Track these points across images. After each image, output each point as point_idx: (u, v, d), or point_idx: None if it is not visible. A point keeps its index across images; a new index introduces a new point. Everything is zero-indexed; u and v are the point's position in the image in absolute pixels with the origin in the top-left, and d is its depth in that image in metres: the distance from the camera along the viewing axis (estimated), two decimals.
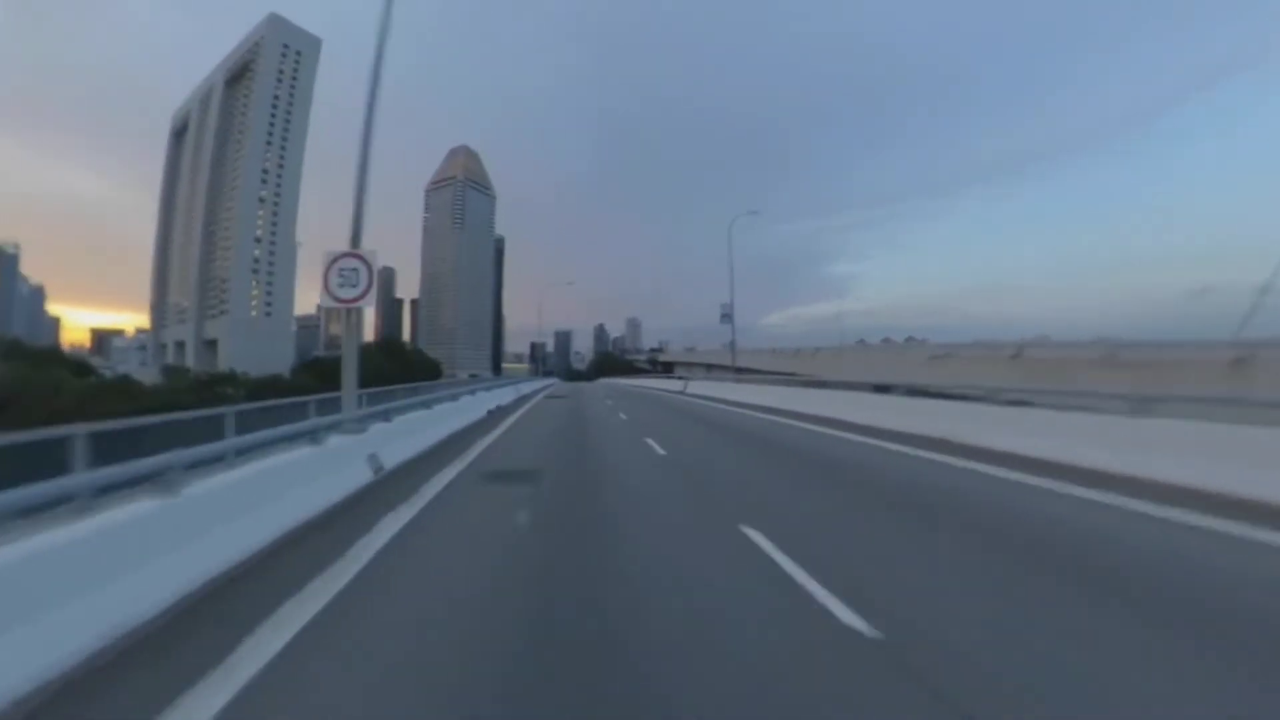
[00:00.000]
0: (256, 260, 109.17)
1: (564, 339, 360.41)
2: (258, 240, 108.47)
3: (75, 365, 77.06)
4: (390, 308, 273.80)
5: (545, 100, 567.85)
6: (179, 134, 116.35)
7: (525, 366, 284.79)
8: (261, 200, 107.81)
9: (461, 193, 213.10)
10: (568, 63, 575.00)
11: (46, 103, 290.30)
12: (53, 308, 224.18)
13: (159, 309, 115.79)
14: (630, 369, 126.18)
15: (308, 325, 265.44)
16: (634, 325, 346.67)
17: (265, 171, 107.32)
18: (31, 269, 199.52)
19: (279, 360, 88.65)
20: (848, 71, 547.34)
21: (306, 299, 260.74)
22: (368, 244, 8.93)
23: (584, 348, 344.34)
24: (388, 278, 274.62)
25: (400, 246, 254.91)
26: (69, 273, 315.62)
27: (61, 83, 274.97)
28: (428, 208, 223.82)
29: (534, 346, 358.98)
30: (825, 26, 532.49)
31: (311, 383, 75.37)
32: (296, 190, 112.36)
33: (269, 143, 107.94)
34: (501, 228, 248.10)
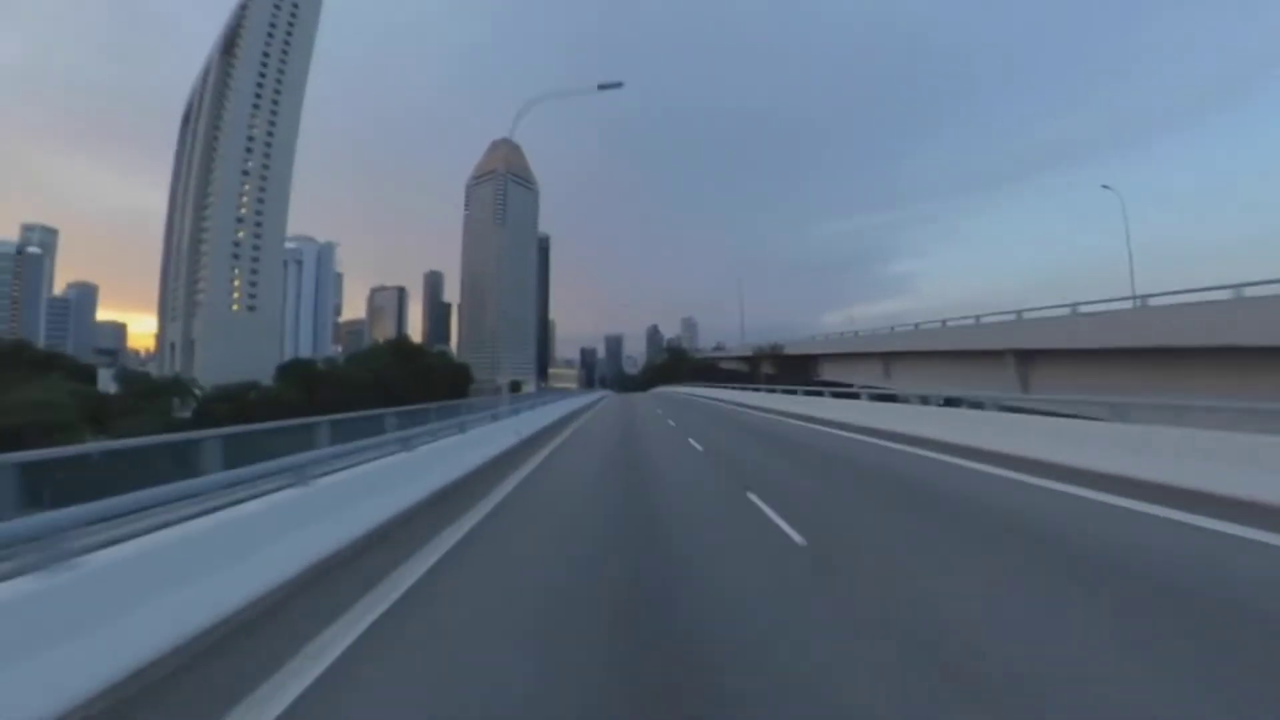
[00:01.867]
0: (238, 245, 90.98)
1: (615, 343, 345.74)
2: (240, 220, 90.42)
3: (83, 372, 64.11)
4: (437, 311, 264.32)
5: (591, 99, 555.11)
6: (186, 118, 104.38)
7: (574, 371, 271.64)
8: (246, 174, 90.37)
9: (503, 187, 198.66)
10: (616, 61, 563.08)
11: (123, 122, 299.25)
12: (116, 314, 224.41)
13: (161, 307, 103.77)
14: (705, 373, 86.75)
15: (355, 329, 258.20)
16: (690, 326, 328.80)
17: (251, 140, 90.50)
18: (100, 277, 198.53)
19: (266, 362, 72.60)
20: (900, 62, 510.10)
21: (354, 304, 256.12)
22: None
23: (636, 351, 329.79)
24: (435, 281, 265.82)
25: (450, 250, 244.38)
26: (137, 279, 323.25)
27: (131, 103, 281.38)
28: (468, 204, 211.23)
29: (584, 353, 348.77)
30: (878, 18, 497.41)
31: (290, 393, 57.55)
32: (289, 163, 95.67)
33: (255, 107, 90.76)
34: (548, 230, 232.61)
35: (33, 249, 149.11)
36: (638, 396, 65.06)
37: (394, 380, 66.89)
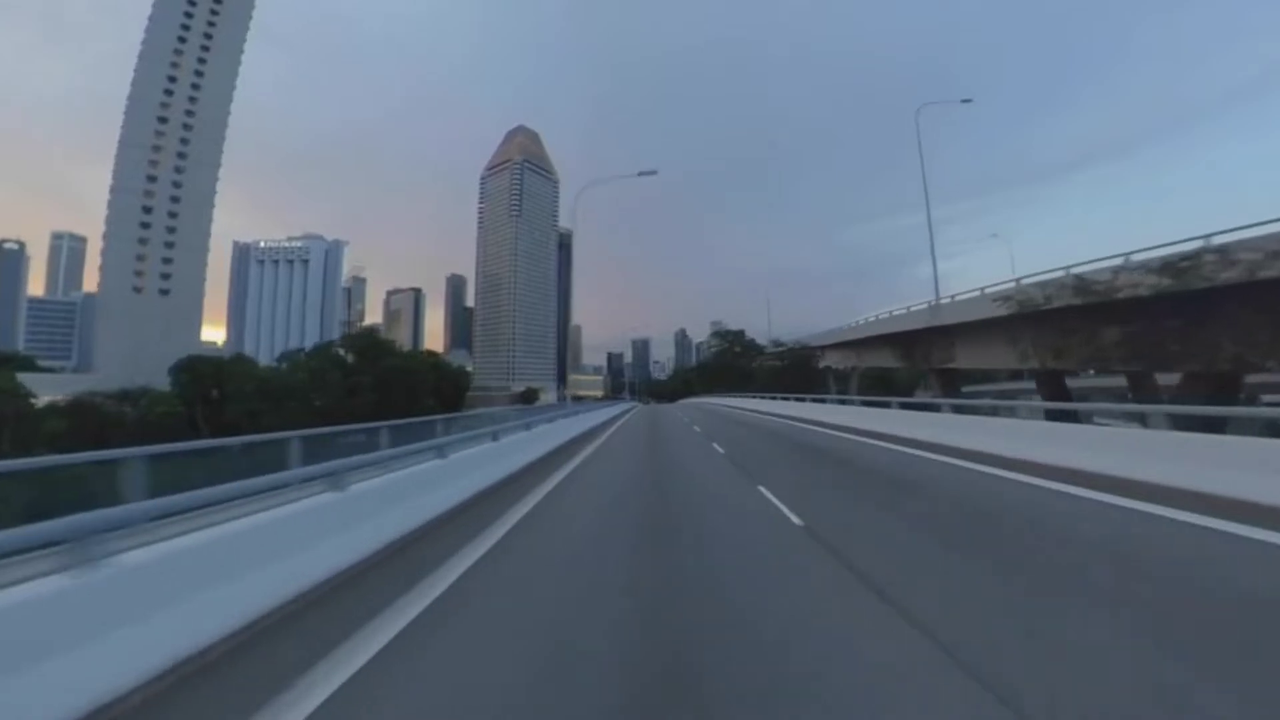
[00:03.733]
0: (148, 212, 68.72)
1: (642, 348, 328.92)
2: (151, 180, 68.73)
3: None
4: (460, 315, 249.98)
5: (618, 95, 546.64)
6: None
7: (597, 376, 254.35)
8: (162, 121, 69.30)
9: (519, 176, 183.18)
10: (649, 57, 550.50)
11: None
12: None
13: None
14: (762, 384, 65.20)
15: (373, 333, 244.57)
16: (719, 329, 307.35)
17: (173, 81, 70.86)
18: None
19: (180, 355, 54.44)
20: (933, 60, 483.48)
21: (377, 309, 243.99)
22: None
23: (664, 356, 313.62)
24: (457, 285, 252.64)
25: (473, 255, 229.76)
26: None
27: None
28: (483, 196, 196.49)
29: (611, 358, 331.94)
30: (913, 21, 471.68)
31: (174, 399, 39.96)
32: (224, 111, 75.87)
33: (182, 40, 71.50)
34: (570, 228, 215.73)
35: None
36: (669, 411, 46.20)
37: (329, 386, 49.45)
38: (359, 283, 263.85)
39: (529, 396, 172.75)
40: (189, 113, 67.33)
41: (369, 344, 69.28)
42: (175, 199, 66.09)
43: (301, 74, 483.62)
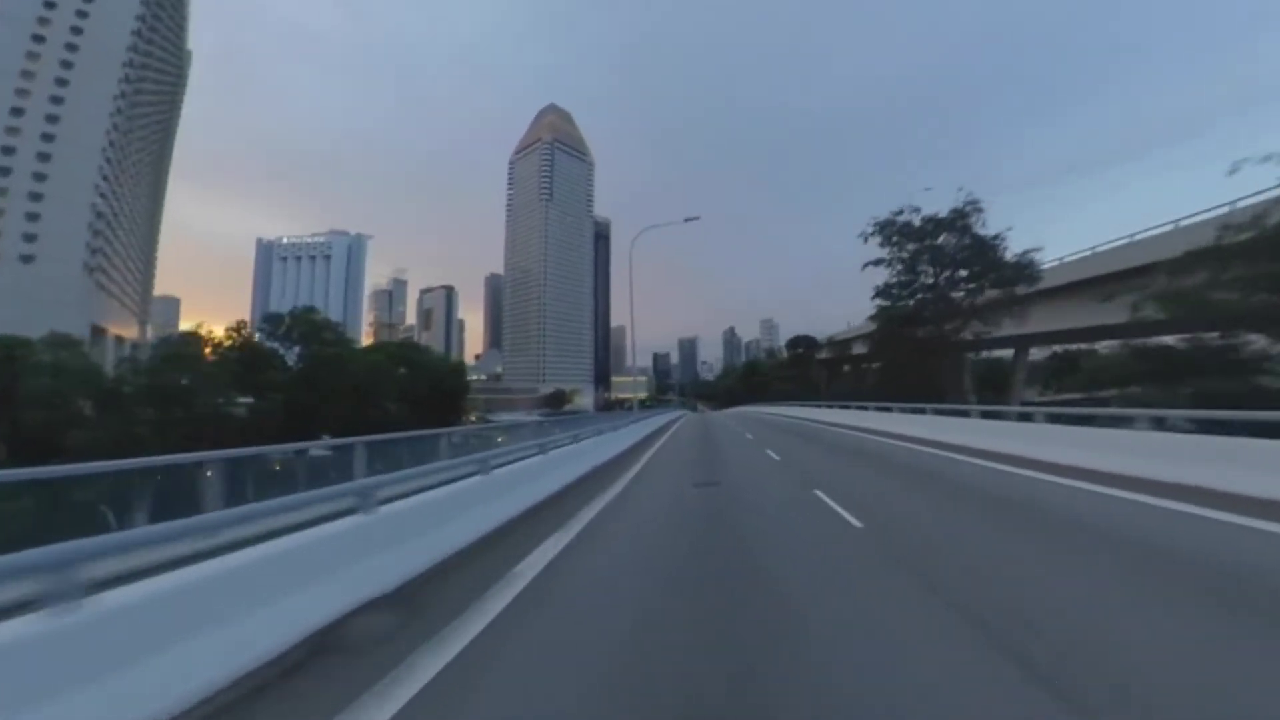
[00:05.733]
0: (8, 152, 51.02)
1: (689, 347, 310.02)
2: (15, 114, 51.24)
3: None
4: (498, 317, 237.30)
5: (665, 84, 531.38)
6: None
7: (641, 378, 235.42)
8: (39, 41, 52.35)
9: (549, 156, 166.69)
10: (694, 44, 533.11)
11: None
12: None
13: None
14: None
15: (408, 334, 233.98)
16: (769, 327, 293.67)
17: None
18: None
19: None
20: (994, 48, 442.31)
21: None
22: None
23: (711, 356, 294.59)
24: (496, 285, 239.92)
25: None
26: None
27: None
28: (511, 182, 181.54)
29: (656, 359, 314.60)
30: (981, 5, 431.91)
31: None
32: (104, 95, 56.43)
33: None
34: (611, 223, 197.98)
35: None
36: (726, 426, 28.09)
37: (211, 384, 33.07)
38: (399, 284, 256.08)
39: (558, 400, 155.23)
40: (76, 30, 51.52)
41: (304, 326, 51.56)
42: (50, 135, 50.01)
43: (333, 75, 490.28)
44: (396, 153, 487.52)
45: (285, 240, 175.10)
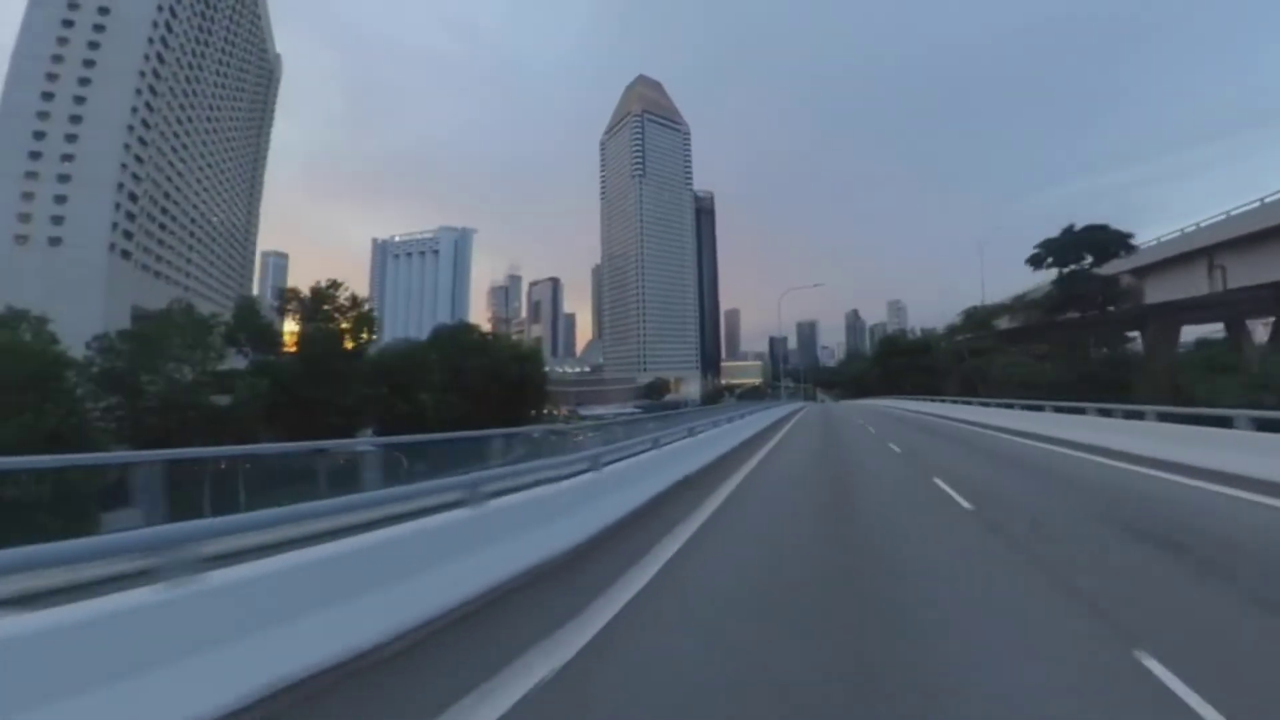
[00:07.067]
0: (41, 137, 49.67)
1: (807, 331, 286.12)
2: (46, 99, 49.84)
3: None
4: (602, 307, 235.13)
5: (778, 65, 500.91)
6: None
7: (755, 363, 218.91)
8: (66, 27, 50.89)
9: (639, 129, 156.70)
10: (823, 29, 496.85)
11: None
12: None
13: None
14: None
15: (520, 328, 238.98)
16: (897, 309, 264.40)
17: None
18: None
19: (83, 326, 32.79)
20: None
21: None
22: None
23: (833, 342, 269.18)
24: (600, 276, 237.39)
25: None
26: None
27: None
28: (604, 164, 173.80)
29: (773, 342, 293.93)
30: None
31: None
32: (130, 70, 53.29)
33: None
34: (710, 190, 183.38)
35: None
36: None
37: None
38: (514, 280, 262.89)
39: (656, 390, 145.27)
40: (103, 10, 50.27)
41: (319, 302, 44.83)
42: (78, 114, 48.57)
43: (447, 89, 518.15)
44: (501, 152, 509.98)
45: (397, 238, 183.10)
